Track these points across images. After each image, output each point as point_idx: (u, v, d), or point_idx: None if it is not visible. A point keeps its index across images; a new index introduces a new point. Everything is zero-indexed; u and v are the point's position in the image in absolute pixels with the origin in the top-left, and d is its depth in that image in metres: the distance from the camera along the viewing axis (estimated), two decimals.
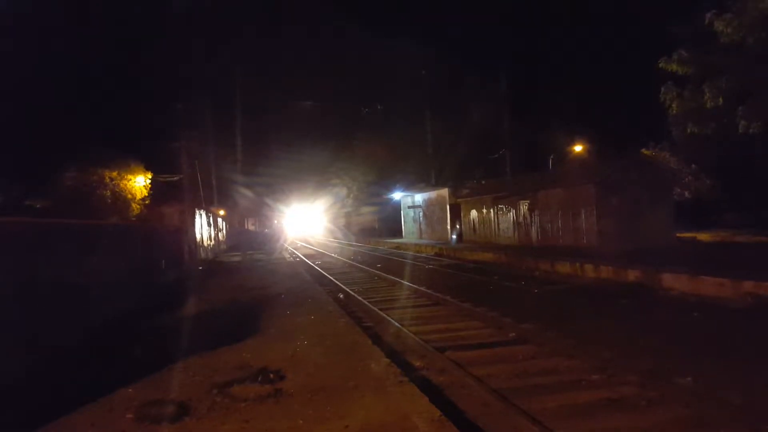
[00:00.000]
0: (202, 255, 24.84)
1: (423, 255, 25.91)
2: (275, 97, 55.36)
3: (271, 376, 5.66)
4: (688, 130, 15.11)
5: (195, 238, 22.75)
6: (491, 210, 26.47)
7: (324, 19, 54.58)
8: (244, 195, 47.29)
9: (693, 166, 23.52)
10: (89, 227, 10.16)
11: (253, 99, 50.76)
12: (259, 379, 5.60)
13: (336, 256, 28.77)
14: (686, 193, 23.93)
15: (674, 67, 14.81)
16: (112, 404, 5.16)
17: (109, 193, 24.68)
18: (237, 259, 27.03)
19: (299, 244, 46.57)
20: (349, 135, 47.53)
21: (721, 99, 13.80)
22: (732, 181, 22.51)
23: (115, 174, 24.97)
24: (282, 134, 53.24)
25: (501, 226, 25.56)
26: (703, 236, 20.76)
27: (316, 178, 51.46)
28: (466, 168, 38.97)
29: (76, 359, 6.85)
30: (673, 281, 11.56)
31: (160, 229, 17.89)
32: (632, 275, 12.86)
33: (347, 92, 53.36)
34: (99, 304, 8.55)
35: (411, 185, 37.77)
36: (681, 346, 7.23)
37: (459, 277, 16.32)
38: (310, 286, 14.71)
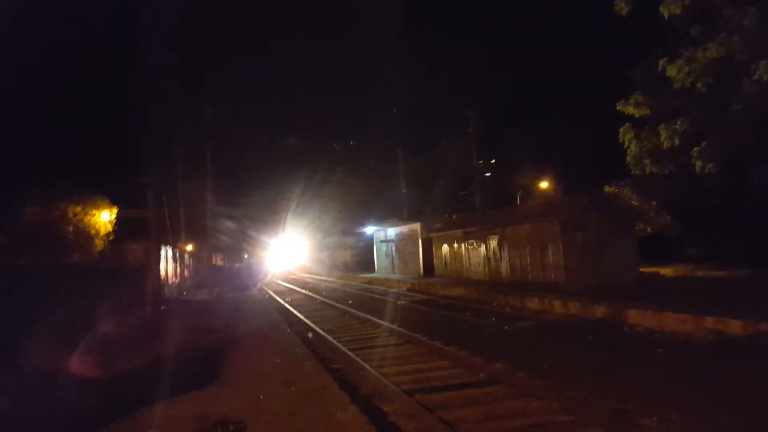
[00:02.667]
0: (167, 293, 24.22)
1: (395, 290, 25.79)
2: (250, 131, 55.46)
3: (231, 428, 5.48)
4: (647, 170, 15.63)
5: (159, 275, 22.21)
6: (462, 245, 26.66)
7: (302, 56, 55.46)
8: (219, 229, 46.74)
9: (653, 203, 24.21)
10: (44, 267, 9.84)
11: (227, 132, 50.62)
12: None
13: (306, 292, 28.43)
14: (648, 229, 24.54)
15: (631, 109, 15.39)
16: None
17: (71, 229, 23.98)
18: (203, 297, 26.44)
19: (273, 279, 45.91)
20: (325, 169, 47.71)
21: (676, 140, 14.37)
22: (691, 218, 23.21)
23: (79, 209, 24.32)
24: (257, 169, 53.11)
25: (472, 261, 25.70)
26: (666, 271, 21.22)
27: (295, 212, 51.16)
28: (438, 203, 39.39)
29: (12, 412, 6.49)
30: (639, 317, 11.73)
31: (122, 267, 17.44)
32: (599, 311, 13.02)
33: (323, 127, 53.86)
34: (53, 349, 8.21)
35: (383, 220, 37.87)
36: (646, 384, 7.30)
37: (430, 314, 16.27)
38: (278, 325, 14.46)
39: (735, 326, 9.60)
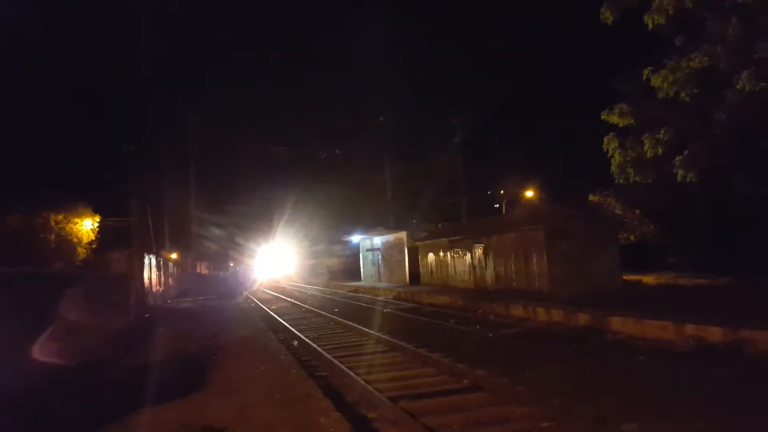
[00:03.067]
0: (151, 301, 24.00)
1: (381, 299, 25.77)
2: (236, 138, 55.26)
3: None
4: (631, 179, 15.83)
5: (143, 283, 22.02)
6: (448, 253, 26.74)
7: (286, 62, 55.46)
8: (205, 237, 46.36)
9: (637, 211, 24.50)
10: (27, 276, 9.74)
11: (213, 141, 50.40)
12: None
13: (292, 300, 28.31)
14: (632, 237, 24.81)
15: (615, 119, 15.59)
16: None
17: (53, 237, 23.73)
18: (188, 305, 26.22)
19: (260, 287, 45.60)
20: (311, 178, 47.65)
21: (660, 149, 14.56)
22: (673, 227, 23.51)
23: (61, 217, 24.07)
24: (243, 177, 52.83)
25: (457, 269, 25.79)
26: (648, 279, 21.46)
27: (282, 221, 50.85)
28: (424, 212, 39.49)
29: None
30: (621, 325, 11.85)
31: (105, 275, 17.27)
32: (582, 319, 13.13)
33: (309, 136, 53.80)
34: (31, 359, 8.11)
35: (370, 228, 37.86)
36: (628, 391, 7.37)
37: (416, 321, 16.28)
38: (263, 333, 14.39)
39: (715, 334, 9.72)
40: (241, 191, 50.38)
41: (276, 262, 65.05)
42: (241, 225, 53.13)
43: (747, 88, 12.24)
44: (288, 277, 58.28)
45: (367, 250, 39.05)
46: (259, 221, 53.65)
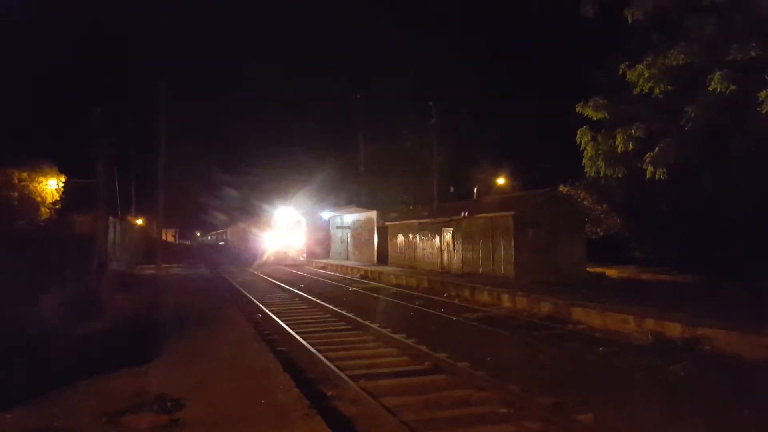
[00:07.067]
0: (115, 267, 23.46)
1: (348, 277, 25.74)
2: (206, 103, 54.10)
3: (169, 405, 5.33)
4: (602, 172, 15.99)
5: (106, 248, 21.46)
6: (417, 235, 26.80)
7: (264, 37, 54.31)
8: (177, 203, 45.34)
9: (605, 205, 24.87)
10: None
11: (189, 106, 49.18)
12: (155, 407, 5.26)
13: (259, 273, 28.09)
14: (599, 230, 25.22)
15: (589, 112, 15.67)
16: None
17: (16, 195, 22.98)
18: (151, 272, 25.72)
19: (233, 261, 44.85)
20: (285, 151, 46.86)
21: (631, 145, 14.72)
22: (639, 221, 23.97)
23: (25, 175, 23.32)
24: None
25: (426, 252, 25.88)
26: (612, 272, 21.91)
27: (255, 194, 49.76)
28: (396, 192, 39.37)
29: None
30: (583, 315, 12.05)
31: (68, 236, 16.80)
32: (545, 307, 13.31)
33: (285, 108, 52.94)
34: None
35: (341, 206, 37.57)
36: (586, 381, 7.48)
37: (381, 302, 16.29)
38: (226, 305, 14.21)
39: (675, 329, 9.95)
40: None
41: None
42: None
43: (718, 89, 12.40)
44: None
45: (337, 227, 38.84)
46: (230, 194, 52.46)
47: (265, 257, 38.42)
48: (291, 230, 40.24)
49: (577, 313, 12.24)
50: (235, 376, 6.71)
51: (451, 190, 33.58)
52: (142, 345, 8.36)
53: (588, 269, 20.61)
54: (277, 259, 37.85)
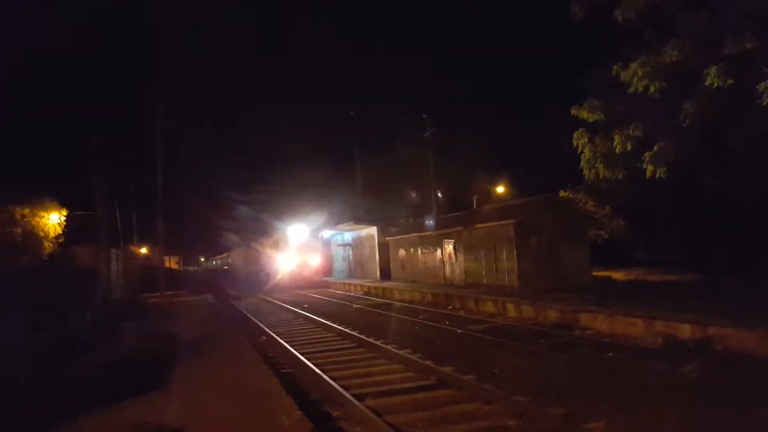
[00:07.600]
0: (118, 296, 23.38)
1: (351, 294, 25.58)
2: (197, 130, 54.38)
3: None
4: (600, 174, 15.89)
5: (109, 278, 21.44)
6: (418, 249, 26.66)
7: (256, 55, 54.73)
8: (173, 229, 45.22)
9: (607, 207, 24.69)
10: None
11: (180, 131, 49.35)
12: None
13: (261, 295, 27.93)
14: (602, 233, 25.02)
15: (585, 114, 15.63)
16: None
17: (20, 231, 23.05)
18: (155, 300, 25.60)
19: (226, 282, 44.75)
20: (281, 170, 46.95)
21: (629, 145, 14.63)
22: (643, 223, 23.77)
23: (27, 211, 23.41)
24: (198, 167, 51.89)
25: (428, 265, 25.72)
26: (618, 275, 21.69)
27: (255, 215, 49.59)
28: (395, 207, 39.27)
29: None
30: (590, 321, 11.87)
31: (71, 270, 16.82)
32: (552, 315, 13.13)
33: (277, 128, 53.14)
34: None
35: (340, 223, 37.47)
36: (595, 388, 7.30)
37: (385, 317, 16.13)
38: (229, 329, 14.07)
39: (684, 331, 9.76)
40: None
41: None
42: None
43: (715, 84, 12.31)
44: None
45: (338, 245, 38.74)
46: (227, 217, 52.33)
47: (277, 279, 36.42)
48: (305, 249, 38.10)
49: (585, 318, 12.06)
50: (237, 402, 6.58)
51: (446, 199, 33.47)
52: (146, 375, 8.27)
53: (594, 274, 20.42)
54: (292, 280, 34.92)
